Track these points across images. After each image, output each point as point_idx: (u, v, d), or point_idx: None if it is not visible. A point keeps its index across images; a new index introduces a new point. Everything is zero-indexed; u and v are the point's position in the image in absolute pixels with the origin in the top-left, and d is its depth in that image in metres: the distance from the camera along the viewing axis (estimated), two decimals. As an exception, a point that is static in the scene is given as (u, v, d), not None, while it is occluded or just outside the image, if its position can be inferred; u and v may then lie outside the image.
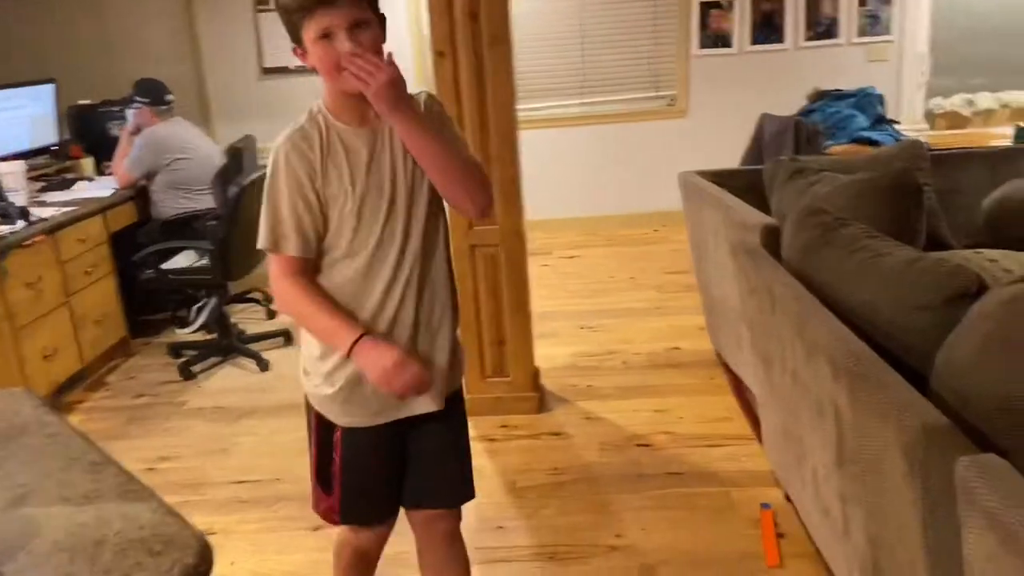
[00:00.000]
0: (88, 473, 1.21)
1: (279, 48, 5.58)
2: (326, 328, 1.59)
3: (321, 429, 1.72)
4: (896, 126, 4.49)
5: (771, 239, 2.46)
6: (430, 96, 1.63)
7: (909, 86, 5.86)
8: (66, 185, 4.42)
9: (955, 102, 4.43)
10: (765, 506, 2.55)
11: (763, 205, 3.03)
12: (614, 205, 5.99)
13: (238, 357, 4.06)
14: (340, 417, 1.69)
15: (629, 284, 4.81)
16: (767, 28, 5.78)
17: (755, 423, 3.01)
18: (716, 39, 5.79)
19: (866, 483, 1.52)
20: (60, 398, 3.67)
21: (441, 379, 1.70)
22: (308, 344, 1.68)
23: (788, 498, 2.48)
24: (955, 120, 4.39)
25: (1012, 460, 1.18)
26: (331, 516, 1.78)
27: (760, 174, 3.33)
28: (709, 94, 5.87)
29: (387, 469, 1.75)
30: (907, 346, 1.73)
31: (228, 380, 3.89)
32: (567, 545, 2.46)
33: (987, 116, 4.33)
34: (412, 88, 1.53)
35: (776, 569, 2.27)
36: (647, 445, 2.98)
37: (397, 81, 1.46)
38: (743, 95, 5.80)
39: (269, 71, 5.73)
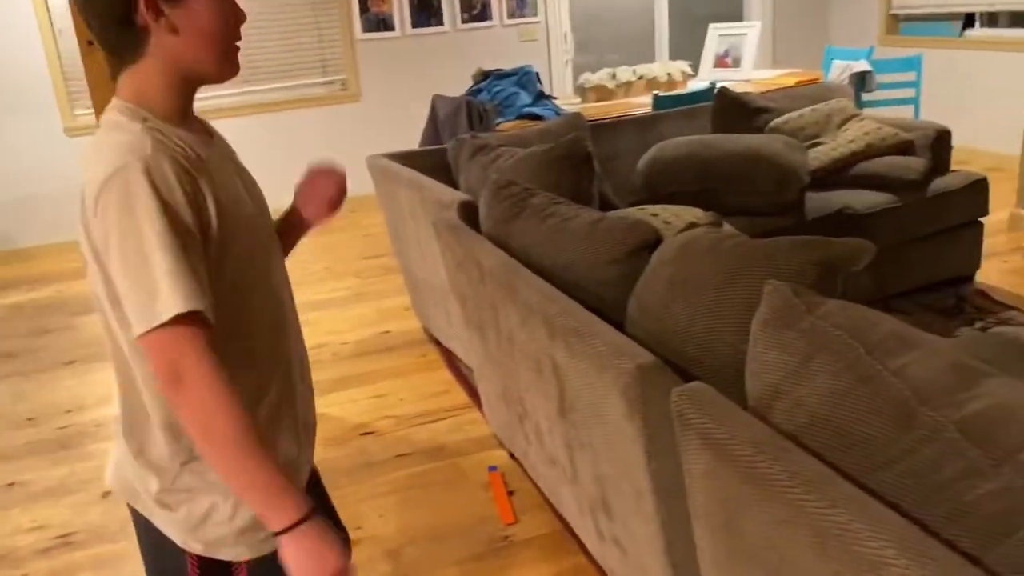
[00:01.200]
0: None
1: None
2: (269, 470, 1.04)
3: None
4: (555, 101, 4.87)
5: (468, 214, 2.56)
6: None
7: (558, 64, 6.39)
8: None
9: (601, 76, 4.91)
10: (492, 469, 2.67)
11: (450, 183, 3.13)
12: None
13: None
14: (252, 546, 1.21)
15: (326, 274, 4.73)
16: (426, 11, 5.95)
17: (472, 392, 3.13)
18: (379, 22, 5.84)
19: (590, 427, 1.65)
20: None
21: None
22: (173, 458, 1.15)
23: (513, 456, 2.62)
24: (602, 93, 4.87)
25: (709, 385, 1.35)
26: None
27: (442, 153, 3.44)
28: (379, 77, 5.92)
29: None
30: (602, 298, 1.91)
31: None
32: (307, 549, 2.38)
33: (628, 87, 4.86)
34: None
35: (512, 526, 2.39)
36: (371, 432, 2.97)
37: None
38: (411, 77, 5.94)
39: None
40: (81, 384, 3.56)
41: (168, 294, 1.00)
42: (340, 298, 4.31)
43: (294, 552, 1.06)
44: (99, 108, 2.71)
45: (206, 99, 5.47)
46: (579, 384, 1.65)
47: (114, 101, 1.12)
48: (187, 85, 1.14)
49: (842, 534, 0.93)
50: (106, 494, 2.72)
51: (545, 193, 2.38)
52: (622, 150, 3.73)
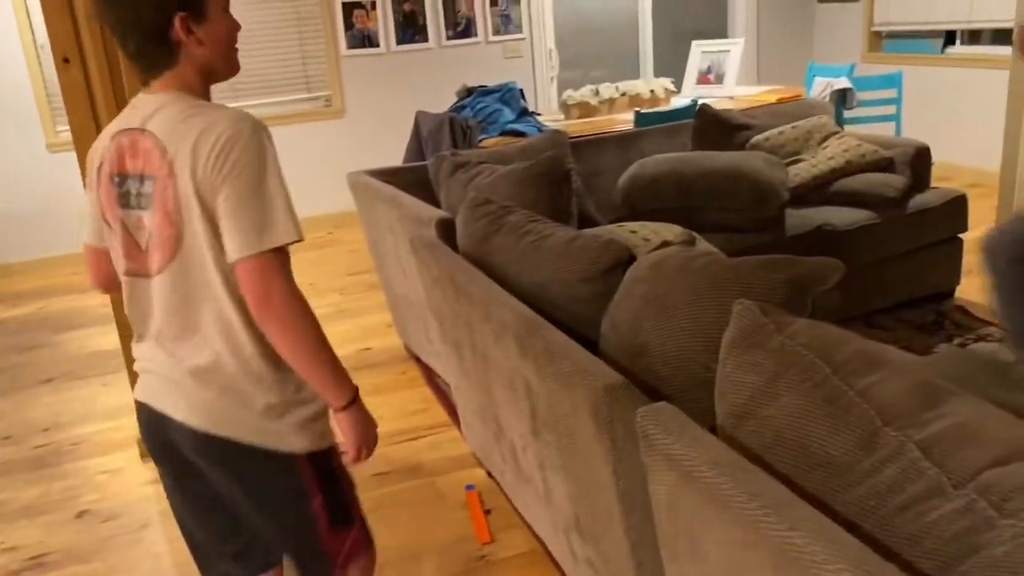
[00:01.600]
0: None
1: None
2: (334, 363, 1.38)
3: (316, 469, 1.49)
4: (538, 117, 4.89)
5: (446, 231, 2.56)
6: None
7: (542, 80, 6.42)
8: None
9: (584, 93, 4.92)
10: (470, 487, 2.65)
11: (432, 199, 3.13)
12: (282, 212, 5.81)
13: None
14: (326, 433, 1.51)
15: (309, 291, 4.71)
16: (411, 28, 5.97)
17: (451, 410, 3.12)
18: (363, 38, 5.86)
19: (561, 447, 1.64)
20: None
21: None
22: (262, 376, 1.39)
23: (490, 475, 2.61)
24: (585, 109, 4.88)
25: (678, 404, 1.34)
26: (359, 549, 1.61)
27: (425, 170, 3.44)
28: (363, 94, 5.93)
29: None
30: (576, 316, 1.90)
31: None
32: (281, 569, 2.35)
33: (611, 104, 4.87)
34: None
35: (489, 545, 2.37)
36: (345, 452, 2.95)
37: None
38: (396, 93, 5.95)
39: None
40: (59, 402, 3.53)
41: (283, 225, 1.29)
42: (323, 314, 4.24)
43: (353, 422, 1.43)
44: (75, 124, 2.70)
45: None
46: (550, 403, 1.64)
47: (172, 93, 1.36)
48: (209, 83, 1.42)
49: (800, 557, 0.92)
50: (81, 514, 2.69)
51: (523, 211, 2.38)
52: (604, 167, 3.74)
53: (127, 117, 1.41)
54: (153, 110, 1.36)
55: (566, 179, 2.84)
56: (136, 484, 2.85)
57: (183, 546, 2.46)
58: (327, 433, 1.51)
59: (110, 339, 3.05)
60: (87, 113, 2.72)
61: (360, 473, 2.78)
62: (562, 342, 1.61)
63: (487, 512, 2.53)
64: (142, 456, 2.97)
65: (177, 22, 1.32)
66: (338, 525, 1.54)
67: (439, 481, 2.72)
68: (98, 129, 2.74)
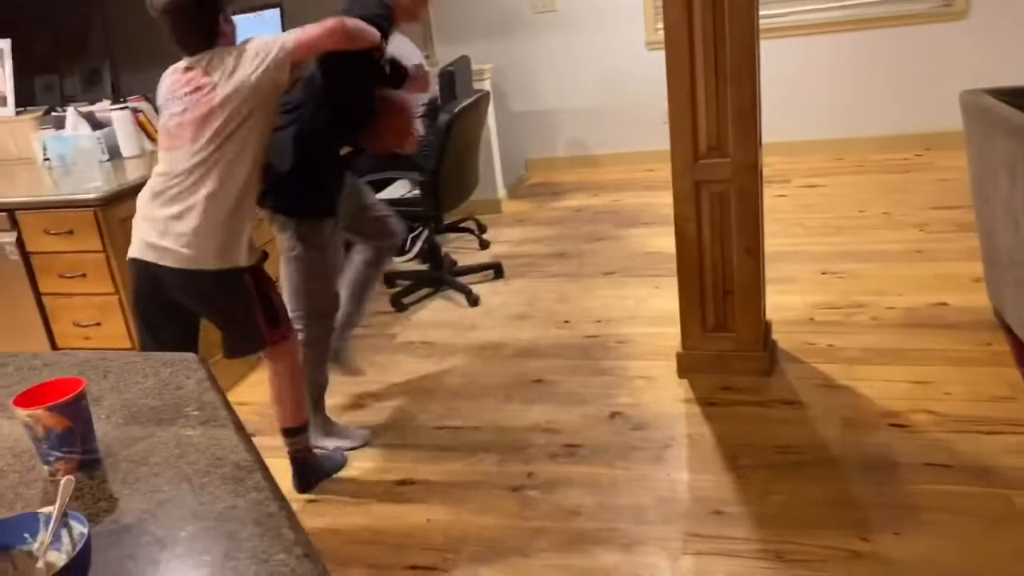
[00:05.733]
0: (228, 483, 1.03)
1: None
2: None
3: (256, 280, 2.28)
4: None
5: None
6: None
7: None
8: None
9: None
10: (1062, 522, 2.02)
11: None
12: (868, 125, 5.19)
13: (449, 290, 3.96)
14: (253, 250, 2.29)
15: (883, 221, 4.15)
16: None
17: (1049, 409, 2.42)
18: (1011, -80, 4.74)
19: None
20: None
21: None
22: (232, 223, 2.19)
23: (1097, 514, 1.94)
24: None
25: None
26: (286, 334, 2.40)
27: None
28: (995, -10, 4.85)
29: None
30: None
31: (437, 313, 3.80)
32: (797, 543, 2.09)
33: None
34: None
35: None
36: (903, 426, 2.49)
37: None
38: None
39: (488, -14, 5.48)
40: (614, 296, 3.70)
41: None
42: (895, 252, 3.73)
43: None
44: (669, 21, 2.62)
45: (790, 15, 5.12)
46: None
47: (218, 48, 2.21)
48: None
49: None
50: (614, 415, 2.76)
51: None
52: None
53: None
54: None
55: None
56: (669, 399, 2.82)
57: (701, 479, 2.37)
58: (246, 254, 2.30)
59: (667, 241, 3.01)
60: (683, 11, 2.60)
61: (910, 456, 2.33)
62: None
63: (1082, 564, 1.90)
64: (679, 371, 2.93)
65: (221, 20, 2.23)
66: (271, 324, 2.32)
67: (1017, 499, 2.13)
68: (690, 28, 2.61)
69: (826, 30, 5.12)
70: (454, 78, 4.22)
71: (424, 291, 3.99)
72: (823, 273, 3.62)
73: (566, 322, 3.51)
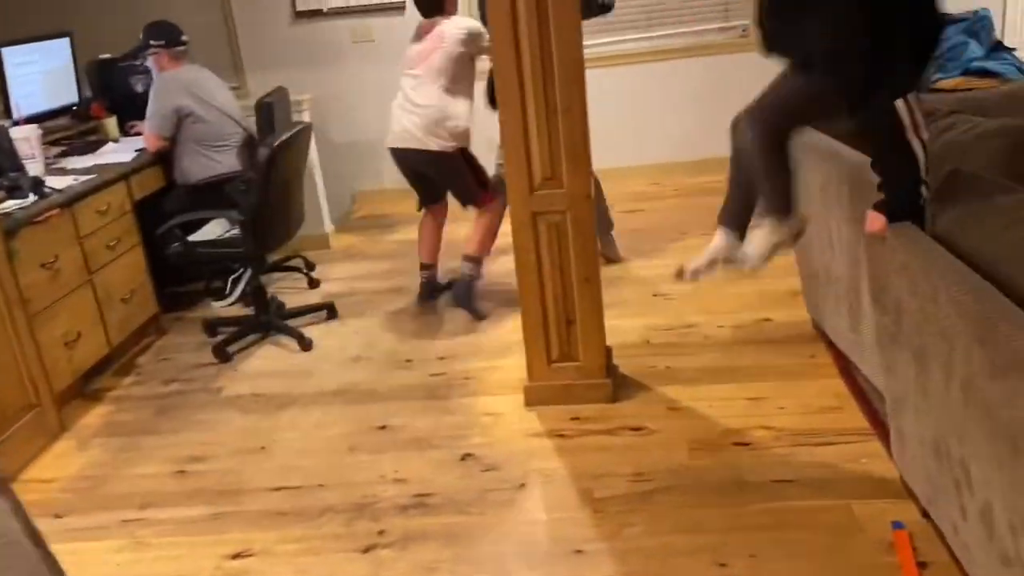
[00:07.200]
0: None
1: (311, -12, 5.14)
2: None
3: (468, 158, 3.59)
4: (1014, 53, 3.89)
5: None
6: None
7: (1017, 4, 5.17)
8: (90, 148, 4.06)
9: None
10: (898, 526, 2.12)
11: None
12: (683, 150, 5.42)
13: (278, 335, 3.71)
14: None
15: (704, 242, 4.31)
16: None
17: (872, 416, 2.57)
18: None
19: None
20: (87, 387, 3.38)
21: None
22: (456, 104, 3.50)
23: (927, 515, 2.05)
24: (1086, 43, 3.77)
25: None
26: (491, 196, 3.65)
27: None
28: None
29: None
30: None
31: (267, 362, 3.55)
32: (660, 575, 2.07)
33: None
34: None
35: (925, 614, 1.86)
36: (745, 444, 2.56)
37: None
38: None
39: (302, 15, 5.28)
40: (456, 331, 3.61)
41: None
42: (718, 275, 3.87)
43: None
44: (498, 55, 2.57)
45: (606, 45, 5.28)
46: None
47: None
48: None
49: None
50: (465, 457, 2.65)
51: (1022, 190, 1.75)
52: None
53: None
54: None
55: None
56: (519, 434, 2.75)
57: (558, 517, 2.31)
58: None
59: (506, 270, 2.95)
60: (508, 33, 2.57)
61: (757, 474, 2.38)
62: None
63: (921, 565, 1.99)
64: (527, 403, 2.87)
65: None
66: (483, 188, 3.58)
67: (856, 507, 2.22)
68: (519, 54, 2.58)
69: (639, 60, 5.33)
70: (272, 110, 4.00)
71: (251, 338, 3.72)
72: (654, 295, 3.71)
73: (408, 361, 3.37)
